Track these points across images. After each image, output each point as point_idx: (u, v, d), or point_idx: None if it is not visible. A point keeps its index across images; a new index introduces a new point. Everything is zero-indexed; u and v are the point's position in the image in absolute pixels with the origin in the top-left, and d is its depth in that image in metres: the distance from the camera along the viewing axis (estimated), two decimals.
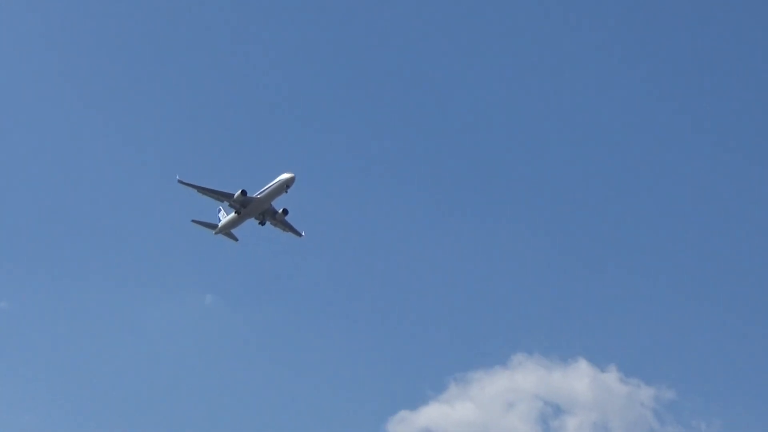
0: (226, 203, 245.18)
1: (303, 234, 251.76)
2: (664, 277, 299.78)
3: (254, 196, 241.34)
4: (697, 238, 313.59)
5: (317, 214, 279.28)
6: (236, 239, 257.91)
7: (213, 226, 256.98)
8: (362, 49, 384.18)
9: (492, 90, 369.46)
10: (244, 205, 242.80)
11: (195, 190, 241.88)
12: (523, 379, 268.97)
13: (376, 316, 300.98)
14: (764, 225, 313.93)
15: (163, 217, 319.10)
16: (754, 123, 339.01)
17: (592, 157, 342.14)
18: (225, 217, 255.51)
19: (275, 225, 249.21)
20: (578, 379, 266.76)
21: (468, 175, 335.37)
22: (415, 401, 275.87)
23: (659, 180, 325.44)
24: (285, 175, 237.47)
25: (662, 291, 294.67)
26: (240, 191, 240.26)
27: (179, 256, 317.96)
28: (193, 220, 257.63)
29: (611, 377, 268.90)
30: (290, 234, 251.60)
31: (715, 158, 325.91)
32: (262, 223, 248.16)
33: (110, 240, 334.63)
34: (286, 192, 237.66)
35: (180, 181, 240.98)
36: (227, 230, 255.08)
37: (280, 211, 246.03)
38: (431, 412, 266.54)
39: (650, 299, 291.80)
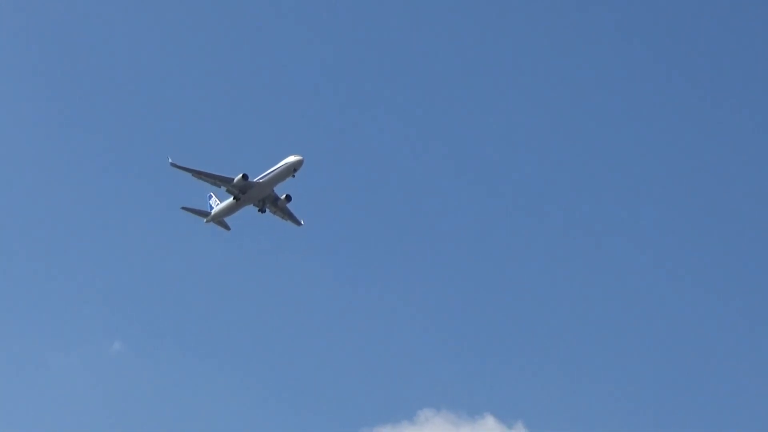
0: (223, 188, 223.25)
1: (302, 223, 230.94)
2: (571, 333, 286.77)
3: (256, 180, 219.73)
4: (603, 292, 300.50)
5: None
6: (228, 228, 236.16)
7: (204, 214, 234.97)
8: (367, 40, 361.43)
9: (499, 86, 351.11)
10: (243, 191, 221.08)
11: (189, 174, 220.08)
12: None
13: (282, 369, 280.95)
14: (667, 283, 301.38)
15: (156, 206, 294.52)
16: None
17: (497, 210, 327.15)
18: (218, 204, 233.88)
19: (275, 212, 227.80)
20: None
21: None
22: None
23: (563, 239, 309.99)
24: (291, 158, 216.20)
25: (570, 347, 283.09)
26: (241, 175, 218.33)
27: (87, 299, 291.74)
28: (182, 207, 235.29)
29: None
30: (289, 223, 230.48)
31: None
32: (262, 211, 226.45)
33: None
34: (293, 176, 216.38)
35: (173, 164, 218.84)
36: (220, 218, 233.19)
37: (283, 197, 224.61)
38: None
39: (557, 355, 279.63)
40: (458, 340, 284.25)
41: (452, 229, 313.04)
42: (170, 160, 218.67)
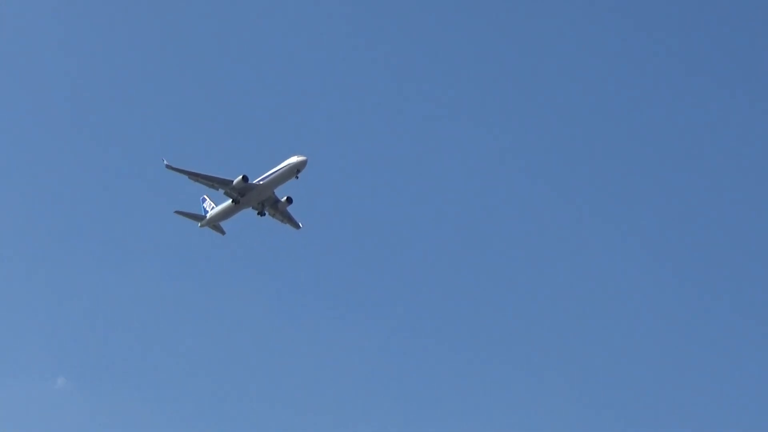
0: (220, 191, 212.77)
1: (301, 226, 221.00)
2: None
3: (256, 182, 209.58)
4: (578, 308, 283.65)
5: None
6: (223, 232, 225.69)
7: (199, 218, 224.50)
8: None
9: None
10: (242, 193, 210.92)
11: (186, 177, 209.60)
12: None
13: (249, 395, 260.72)
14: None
15: (147, 210, 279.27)
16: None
17: (498, 215, 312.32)
18: (213, 207, 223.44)
19: (273, 215, 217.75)
20: None
21: None
22: None
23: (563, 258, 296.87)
24: (295, 159, 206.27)
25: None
26: (241, 177, 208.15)
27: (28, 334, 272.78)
28: (176, 211, 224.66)
29: None
30: (288, 226, 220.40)
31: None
32: (262, 214, 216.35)
33: None
34: (297, 178, 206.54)
35: (168, 166, 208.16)
36: (216, 222, 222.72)
37: (284, 199, 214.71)
38: None
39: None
40: (444, 353, 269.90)
41: (454, 237, 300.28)
42: (165, 162, 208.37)
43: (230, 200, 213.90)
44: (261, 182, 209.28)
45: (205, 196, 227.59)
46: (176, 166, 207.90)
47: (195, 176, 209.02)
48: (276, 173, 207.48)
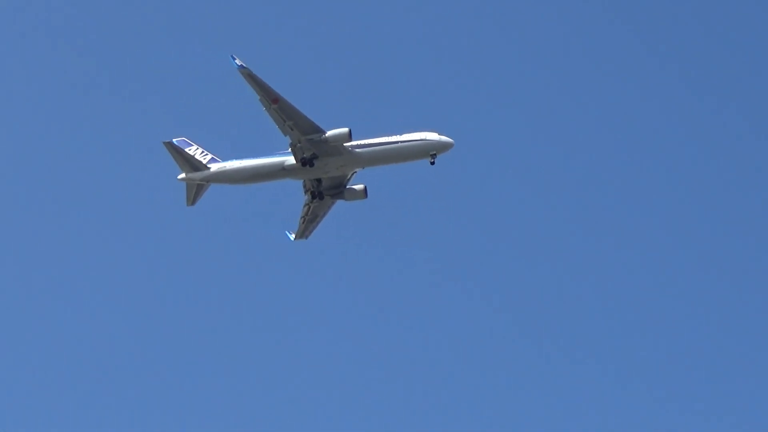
0: (287, 139, 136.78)
1: (307, 239, 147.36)
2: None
3: (356, 149, 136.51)
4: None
5: None
6: (194, 202, 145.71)
7: (192, 164, 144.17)
8: None
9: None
10: (319, 155, 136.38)
11: (258, 96, 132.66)
12: None
13: None
14: None
15: None
16: None
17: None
18: (209, 156, 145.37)
19: (311, 204, 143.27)
20: None
21: None
22: None
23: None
24: (435, 136, 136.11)
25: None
26: (347, 130, 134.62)
27: None
28: (166, 142, 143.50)
29: None
30: (300, 229, 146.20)
31: None
32: (317, 195, 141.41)
33: None
34: (432, 163, 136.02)
35: (242, 68, 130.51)
36: (217, 182, 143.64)
37: (359, 187, 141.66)
38: None
39: None
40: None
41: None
42: (238, 62, 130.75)
43: (286, 157, 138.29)
44: (359, 150, 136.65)
45: (186, 139, 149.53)
46: (255, 73, 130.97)
47: (273, 100, 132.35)
48: (395, 146, 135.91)
